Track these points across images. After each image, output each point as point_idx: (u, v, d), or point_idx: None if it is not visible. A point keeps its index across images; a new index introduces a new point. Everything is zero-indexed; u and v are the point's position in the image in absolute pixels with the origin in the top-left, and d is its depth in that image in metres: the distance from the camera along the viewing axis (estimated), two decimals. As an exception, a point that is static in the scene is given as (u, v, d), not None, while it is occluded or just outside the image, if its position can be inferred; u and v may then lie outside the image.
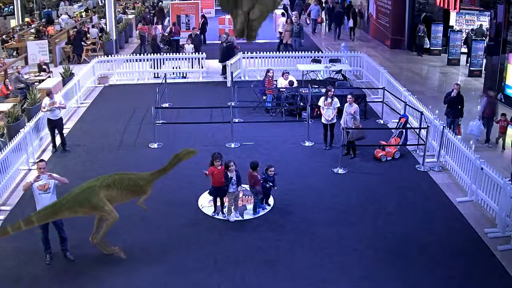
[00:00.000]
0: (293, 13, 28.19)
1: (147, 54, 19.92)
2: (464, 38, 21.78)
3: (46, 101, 12.64)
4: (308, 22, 30.36)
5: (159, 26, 27.56)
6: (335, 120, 12.67)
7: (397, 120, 13.50)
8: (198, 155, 12.22)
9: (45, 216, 7.92)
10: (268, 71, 16.07)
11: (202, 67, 19.86)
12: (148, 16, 29.91)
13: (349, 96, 12.37)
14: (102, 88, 18.53)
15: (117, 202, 8.37)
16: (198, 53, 19.78)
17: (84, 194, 7.97)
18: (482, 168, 10.09)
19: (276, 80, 16.12)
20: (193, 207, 10.21)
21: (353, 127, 12.11)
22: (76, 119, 15.30)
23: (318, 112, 13.59)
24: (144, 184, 8.49)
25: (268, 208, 10.11)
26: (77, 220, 8.96)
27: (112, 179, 8.22)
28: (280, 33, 23.92)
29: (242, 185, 9.85)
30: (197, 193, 10.62)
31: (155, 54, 19.77)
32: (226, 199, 9.87)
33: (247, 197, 10.34)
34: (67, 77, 17.27)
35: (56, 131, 12.90)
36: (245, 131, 13.70)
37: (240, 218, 9.83)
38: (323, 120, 12.79)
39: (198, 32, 22.42)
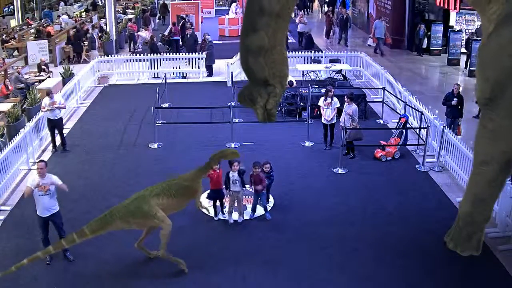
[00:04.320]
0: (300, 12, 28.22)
1: (136, 54, 19.99)
2: (465, 40, 21.73)
3: (46, 101, 12.64)
4: (373, 43, 24.44)
5: (150, 27, 27.52)
6: (335, 120, 12.67)
7: (397, 120, 13.49)
8: (197, 155, 12.34)
9: (97, 226, 7.78)
10: None
11: (208, 69, 19.96)
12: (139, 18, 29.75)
13: (346, 97, 12.38)
14: (102, 88, 18.53)
15: (173, 210, 8.21)
16: (198, 53, 19.81)
17: (134, 203, 7.85)
18: (482, 168, 10.07)
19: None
20: (193, 207, 10.16)
21: (351, 127, 12.11)
22: (76, 119, 15.30)
23: (318, 112, 13.59)
24: (190, 185, 8.22)
25: (268, 208, 10.09)
26: (77, 221, 8.97)
27: (160, 188, 8.05)
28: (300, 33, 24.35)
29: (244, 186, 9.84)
30: (197, 193, 10.60)
31: (154, 54, 19.78)
32: (226, 200, 9.86)
33: (247, 197, 10.32)
34: (67, 77, 17.28)
35: (56, 131, 12.89)
36: (245, 131, 13.69)
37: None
38: (323, 120, 12.79)
39: (192, 32, 22.30)
